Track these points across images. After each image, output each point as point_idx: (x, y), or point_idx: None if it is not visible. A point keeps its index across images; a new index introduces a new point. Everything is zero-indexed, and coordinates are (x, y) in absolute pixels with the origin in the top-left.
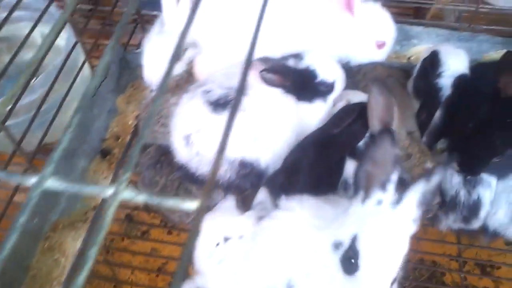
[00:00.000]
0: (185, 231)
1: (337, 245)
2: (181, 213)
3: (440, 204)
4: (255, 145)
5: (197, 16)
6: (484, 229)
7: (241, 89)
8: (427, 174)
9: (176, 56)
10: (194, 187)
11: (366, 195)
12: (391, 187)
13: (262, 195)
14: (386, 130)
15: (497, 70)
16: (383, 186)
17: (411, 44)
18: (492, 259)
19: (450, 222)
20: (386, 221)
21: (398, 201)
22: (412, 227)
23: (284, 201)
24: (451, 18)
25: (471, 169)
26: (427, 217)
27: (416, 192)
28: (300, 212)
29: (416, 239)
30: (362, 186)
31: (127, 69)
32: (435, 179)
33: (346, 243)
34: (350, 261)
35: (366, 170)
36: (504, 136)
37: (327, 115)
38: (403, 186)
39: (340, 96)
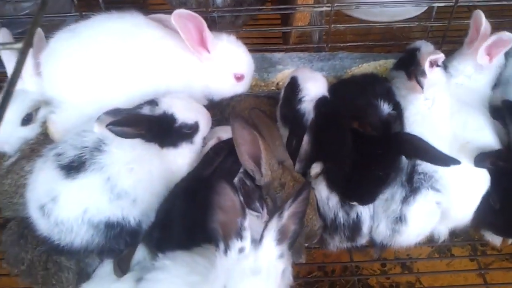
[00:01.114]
0: None
1: None
2: None
3: (323, 227)
4: (120, 203)
5: (49, 72)
6: (373, 242)
7: None
8: (278, 210)
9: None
10: (64, 258)
11: (227, 246)
12: (247, 233)
13: (140, 253)
14: (223, 177)
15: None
16: (239, 235)
17: (277, 70)
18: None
19: (336, 242)
20: (251, 268)
21: (258, 243)
22: (280, 264)
23: (159, 260)
24: (316, 38)
25: (362, 200)
26: (314, 241)
27: (271, 231)
28: (175, 271)
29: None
30: (220, 237)
31: None
32: (286, 214)
33: None
34: None
35: (218, 220)
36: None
37: (199, 155)
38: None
39: (211, 133)
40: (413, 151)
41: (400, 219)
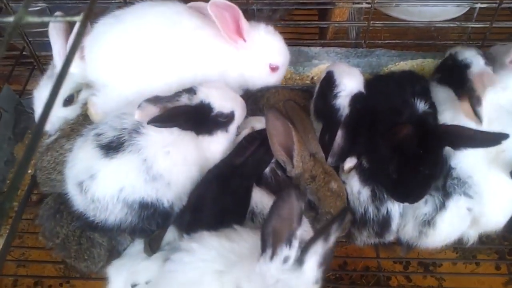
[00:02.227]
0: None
1: None
2: (88, 263)
3: (352, 221)
4: (155, 185)
5: (92, 56)
6: (399, 241)
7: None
8: (324, 233)
9: (53, 98)
10: (97, 235)
11: (274, 252)
12: (296, 242)
13: (171, 235)
14: (293, 186)
15: None
16: (289, 242)
17: (313, 65)
18: (435, 256)
19: (364, 238)
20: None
21: (300, 263)
22: None
23: (185, 241)
24: (353, 35)
25: (412, 200)
26: (342, 235)
27: (316, 254)
28: (201, 256)
29: None
30: (269, 243)
31: (25, 115)
32: (332, 239)
33: None
34: None
35: (272, 226)
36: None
37: (233, 144)
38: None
39: (245, 123)
40: (458, 140)
41: (428, 223)
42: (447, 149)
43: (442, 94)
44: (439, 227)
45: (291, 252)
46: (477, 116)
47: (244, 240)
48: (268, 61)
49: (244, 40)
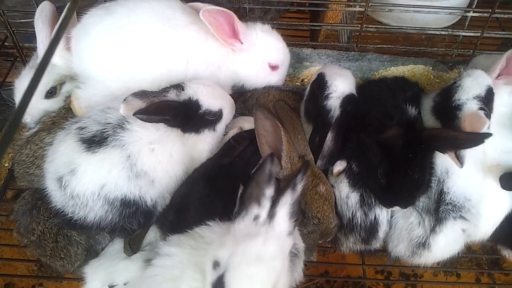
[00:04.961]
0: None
1: (216, 264)
2: (64, 262)
3: (339, 226)
4: (138, 182)
5: (79, 47)
6: (387, 253)
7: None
8: (291, 183)
9: (34, 86)
10: (75, 233)
11: (245, 212)
12: (266, 202)
13: (152, 235)
14: (270, 155)
15: None
16: (258, 201)
17: (304, 67)
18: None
19: (350, 244)
20: (263, 238)
21: (272, 215)
22: (289, 241)
23: (164, 246)
24: (344, 39)
25: (403, 205)
26: (328, 240)
27: (286, 204)
28: (180, 258)
29: None
30: (243, 207)
31: (5, 107)
32: (299, 188)
33: (222, 265)
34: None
35: (249, 192)
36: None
37: (220, 143)
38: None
39: (233, 123)
40: (445, 143)
41: (423, 245)
42: (440, 172)
43: (429, 123)
44: (434, 249)
45: (261, 210)
46: (459, 161)
47: (214, 232)
48: (267, 60)
49: (241, 43)
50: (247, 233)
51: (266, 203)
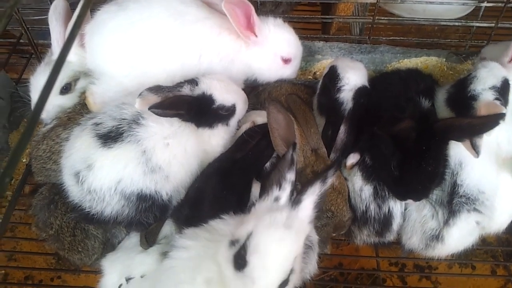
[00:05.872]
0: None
1: (233, 242)
2: (81, 255)
3: (352, 219)
4: (154, 177)
5: (93, 44)
6: (401, 245)
7: None
8: (322, 176)
9: (51, 84)
10: (92, 227)
11: (266, 195)
12: (287, 185)
13: (168, 228)
14: (293, 143)
15: None
16: (279, 184)
17: (315, 60)
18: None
19: (364, 236)
20: (284, 221)
21: (298, 201)
22: (307, 229)
23: (180, 239)
24: (356, 31)
25: (417, 197)
26: (341, 233)
27: (313, 194)
28: (195, 251)
29: None
30: (265, 190)
31: (21, 103)
32: (329, 181)
33: (242, 240)
34: (241, 257)
35: (270, 177)
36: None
37: (233, 138)
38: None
39: (246, 117)
40: (461, 132)
41: (437, 237)
42: (453, 164)
43: (444, 114)
44: (447, 242)
45: (282, 193)
46: (475, 150)
47: (229, 225)
48: (279, 54)
49: (256, 36)
50: (270, 209)
51: (287, 186)
